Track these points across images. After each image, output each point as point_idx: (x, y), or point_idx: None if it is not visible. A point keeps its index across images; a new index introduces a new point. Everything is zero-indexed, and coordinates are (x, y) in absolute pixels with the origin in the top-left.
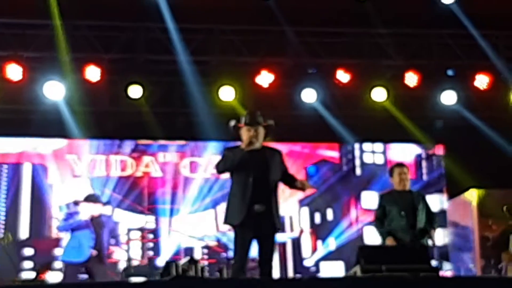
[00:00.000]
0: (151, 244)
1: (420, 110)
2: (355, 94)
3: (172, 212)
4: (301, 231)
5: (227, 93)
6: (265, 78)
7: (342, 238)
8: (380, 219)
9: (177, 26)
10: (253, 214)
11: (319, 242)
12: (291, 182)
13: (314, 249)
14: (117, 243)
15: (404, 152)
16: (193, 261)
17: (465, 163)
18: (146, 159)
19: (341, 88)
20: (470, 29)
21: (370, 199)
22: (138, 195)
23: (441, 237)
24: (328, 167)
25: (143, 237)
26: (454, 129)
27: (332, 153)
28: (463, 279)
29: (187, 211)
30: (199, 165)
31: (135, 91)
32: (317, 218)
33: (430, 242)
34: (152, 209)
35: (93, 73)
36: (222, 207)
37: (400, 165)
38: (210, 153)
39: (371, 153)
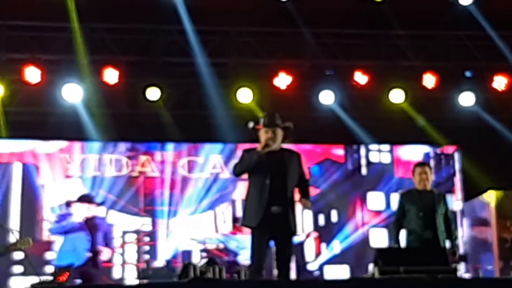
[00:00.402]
0: (147, 247)
1: (438, 112)
2: (372, 96)
3: (169, 214)
4: (308, 235)
5: (244, 95)
6: (282, 80)
7: (347, 241)
8: (399, 220)
9: (195, 28)
10: (270, 216)
11: (323, 245)
12: (303, 191)
13: (318, 253)
14: (111, 246)
15: (413, 151)
16: (211, 263)
17: (483, 164)
18: (142, 158)
19: (359, 90)
20: (488, 31)
21: (376, 200)
22: (133, 196)
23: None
24: (332, 166)
25: (138, 240)
26: (472, 130)
27: (337, 152)
28: (482, 281)
29: (185, 212)
30: (197, 164)
31: (153, 93)
32: (321, 220)
33: (448, 244)
34: (148, 211)
35: (111, 75)
36: (221, 209)
37: (421, 164)
38: (208, 152)
39: (378, 152)
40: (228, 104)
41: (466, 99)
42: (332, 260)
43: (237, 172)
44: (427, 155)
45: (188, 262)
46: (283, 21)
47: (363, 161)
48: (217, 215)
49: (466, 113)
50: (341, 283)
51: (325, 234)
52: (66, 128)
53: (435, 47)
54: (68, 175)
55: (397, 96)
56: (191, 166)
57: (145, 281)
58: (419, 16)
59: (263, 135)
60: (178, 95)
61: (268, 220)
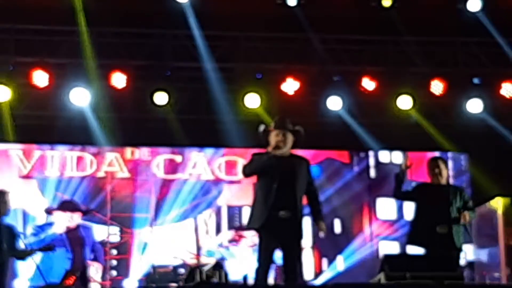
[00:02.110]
0: (114, 262)
1: (446, 118)
2: (380, 102)
3: (142, 222)
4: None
5: (252, 100)
6: (290, 86)
7: (353, 258)
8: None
9: (203, 33)
10: (277, 220)
11: (324, 261)
12: (312, 201)
13: (318, 271)
14: (101, 261)
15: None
16: (217, 267)
17: (491, 171)
18: (110, 155)
19: (366, 96)
20: (496, 37)
21: (387, 207)
22: (99, 200)
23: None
24: (335, 167)
25: (104, 254)
26: (479, 137)
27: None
28: (488, 287)
29: (161, 221)
30: (177, 163)
31: (160, 98)
32: None
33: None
34: (116, 218)
35: (119, 79)
36: (204, 216)
37: (435, 158)
38: (190, 150)
39: (388, 150)
40: (235, 109)
41: (474, 106)
42: (335, 279)
43: (246, 173)
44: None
45: (195, 266)
46: (291, 27)
47: (371, 161)
48: (198, 224)
49: (474, 120)
50: None
51: (327, 247)
52: (73, 132)
53: (443, 54)
54: (22, 175)
55: (405, 102)
56: (168, 166)
57: (153, 285)
58: (427, 22)
59: (274, 138)
60: (185, 100)
61: (276, 224)
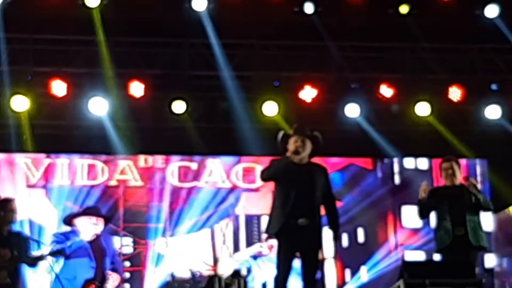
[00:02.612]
0: (127, 275)
1: (464, 125)
2: (398, 109)
3: (156, 233)
4: (323, 260)
5: (270, 108)
6: (308, 93)
7: (377, 268)
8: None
9: (220, 41)
10: (296, 228)
11: (347, 272)
12: (329, 210)
13: (341, 282)
14: (120, 272)
15: None
16: (236, 275)
17: (510, 177)
18: (122, 163)
19: (384, 103)
20: None
21: (413, 215)
22: (111, 210)
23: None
24: (358, 173)
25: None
26: (498, 143)
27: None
28: None
29: (176, 231)
30: (192, 171)
31: (178, 107)
32: (345, 240)
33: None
34: (129, 229)
35: (136, 88)
36: (221, 226)
37: (447, 159)
38: (206, 157)
39: (413, 156)
40: (253, 118)
41: (493, 112)
42: None
43: (264, 177)
44: None
45: (214, 274)
46: (308, 34)
47: (396, 168)
48: (215, 234)
49: (492, 126)
50: None
51: (350, 258)
52: (92, 141)
53: (460, 60)
54: (30, 184)
55: (423, 109)
56: (182, 174)
57: None
58: (444, 29)
59: (292, 143)
60: (203, 108)
61: (296, 232)
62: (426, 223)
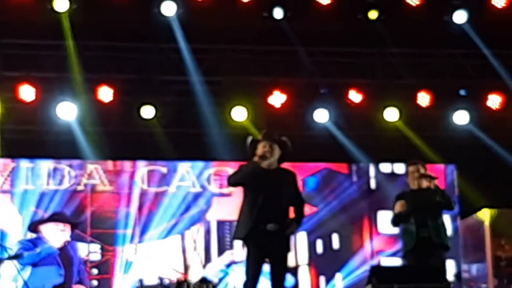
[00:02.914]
0: (95, 283)
1: (433, 130)
2: (367, 114)
3: (125, 239)
4: (297, 266)
5: (239, 113)
6: (277, 98)
7: (353, 276)
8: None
9: (190, 46)
10: (265, 233)
11: (322, 279)
12: (297, 212)
13: None
14: (85, 283)
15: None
16: (204, 281)
17: (478, 182)
18: (90, 167)
19: (353, 108)
20: (482, 49)
21: (389, 221)
22: (77, 215)
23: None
24: (332, 178)
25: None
26: (466, 149)
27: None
28: None
29: (145, 237)
30: (162, 175)
31: (147, 112)
32: (319, 246)
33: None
34: (96, 235)
35: (105, 93)
36: (192, 232)
37: (413, 163)
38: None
39: (390, 162)
40: (222, 122)
41: (461, 117)
42: None
43: (232, 181)
44: None
45: (183, 280)
46: (278, 40)
47: (372, 172)
48: (186, 240)
49: (460, 132)
50: None
51: (324, 264)
52: (61, 146)
53: (429, 66)
54: None
55: (391, 114)
56: (152, 178)
57: None
58: (413, 35)
59: (260, 149)
60: (172, 113)
61: (264, 237)
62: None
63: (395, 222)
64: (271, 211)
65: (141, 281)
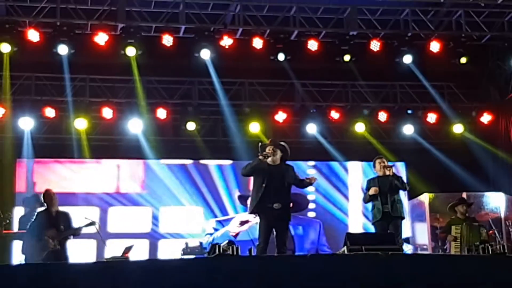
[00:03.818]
0: None
1: (389, 138)
2: (343, 127)
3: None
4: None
5: (254, 127)
6: (280, 116)
7: None
8: (365, 196)
9: (219, 80)
10: (272, 210)
11: None
12: (300, 184)
13: None
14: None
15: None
16: (231, 243)
17: (420, 175)
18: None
19: (333, 123)
20: (423, 81)
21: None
22: None
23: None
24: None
25: None
26: (413, 151)
27: None
28: (419, 255)
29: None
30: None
31: (191, 126)
32: None
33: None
34: None
35: (161, 113)
36: None
37: (379, 157)
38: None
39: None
40: (242, 133)
41: (408, 129)
42: None
43: (243, 172)
44: None
45: (216, 243)
46: (281, 75)
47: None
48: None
49: (408, 139)
50: (321, 258)
51: None
52: (131, 150)
53: (386, 93)
54: None
55: (360, 127)
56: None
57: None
58: (375, 71)
59: (267, 150)
60: (208, 127)
61: (272, 213)
62: None
63: (366, 200)
64: (274, 193)
65: (186, 243)
